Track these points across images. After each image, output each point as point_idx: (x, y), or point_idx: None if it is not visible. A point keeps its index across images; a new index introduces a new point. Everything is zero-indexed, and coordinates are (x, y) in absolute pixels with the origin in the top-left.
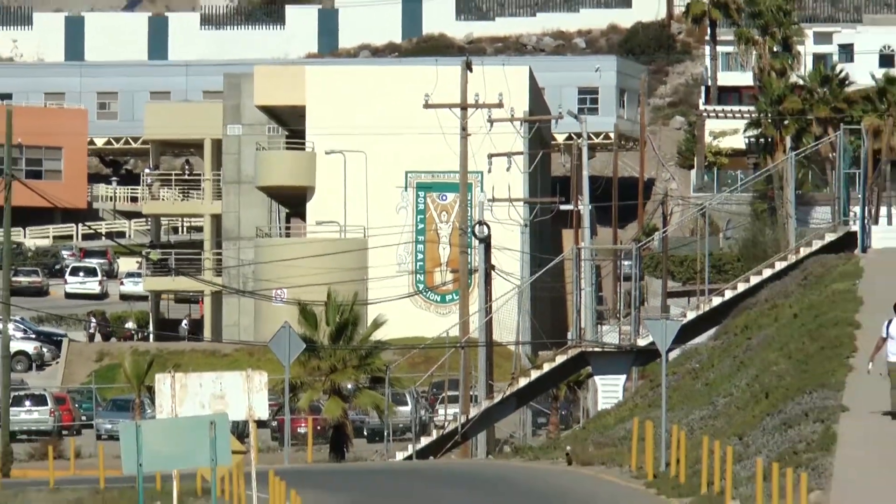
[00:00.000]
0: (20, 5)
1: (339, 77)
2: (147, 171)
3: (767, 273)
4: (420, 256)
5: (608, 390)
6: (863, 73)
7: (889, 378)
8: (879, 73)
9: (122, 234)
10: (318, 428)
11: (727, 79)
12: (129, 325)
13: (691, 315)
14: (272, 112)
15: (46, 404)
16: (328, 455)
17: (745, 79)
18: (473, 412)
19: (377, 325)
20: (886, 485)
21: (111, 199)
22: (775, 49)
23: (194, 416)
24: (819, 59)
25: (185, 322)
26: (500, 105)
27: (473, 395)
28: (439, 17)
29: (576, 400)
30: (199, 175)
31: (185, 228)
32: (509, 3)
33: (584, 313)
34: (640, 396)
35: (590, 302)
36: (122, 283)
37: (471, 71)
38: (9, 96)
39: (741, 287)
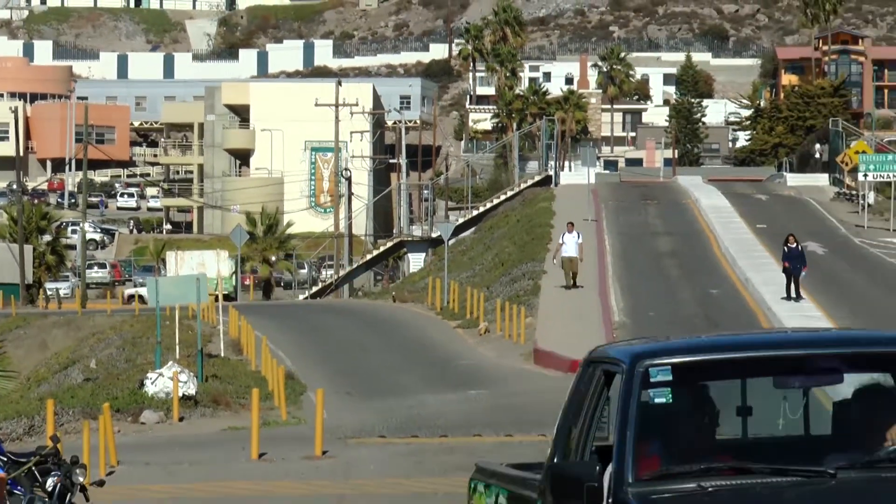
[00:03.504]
0: (92, 48)
1: (269, 89)
2: (163, 140)
3: (503, 197)
4: (313, 187)
5: (416, 261)
6: (556, 88)
7: (563, 267)
8: (565, 88)
9: (148, 174)
10: (256, 281)
11: (482, 90)
12: (167, 226)
13: (461, 220)
14: (232, 108)
15: (106, 268)
16: (262, 297)
17: (491, 91)
18: (342, 273)
19: (289, 225)
20: (564, 313)
21: (142, 155)
22: (507, 74)
23: (188, 274)
24: (532, 80)
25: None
26: (356, 104)
27: (341, 263)
28: (324, 56)
29: (397, 266)
30: (191, 142)
31: (183, 171)
32: (363, 48)
33: (402, 219)
34: (433, 265)
35: (406, 212)
36: (148, 202)
37: (341, 86)
38: (86, 98)
39: (489, 205)
